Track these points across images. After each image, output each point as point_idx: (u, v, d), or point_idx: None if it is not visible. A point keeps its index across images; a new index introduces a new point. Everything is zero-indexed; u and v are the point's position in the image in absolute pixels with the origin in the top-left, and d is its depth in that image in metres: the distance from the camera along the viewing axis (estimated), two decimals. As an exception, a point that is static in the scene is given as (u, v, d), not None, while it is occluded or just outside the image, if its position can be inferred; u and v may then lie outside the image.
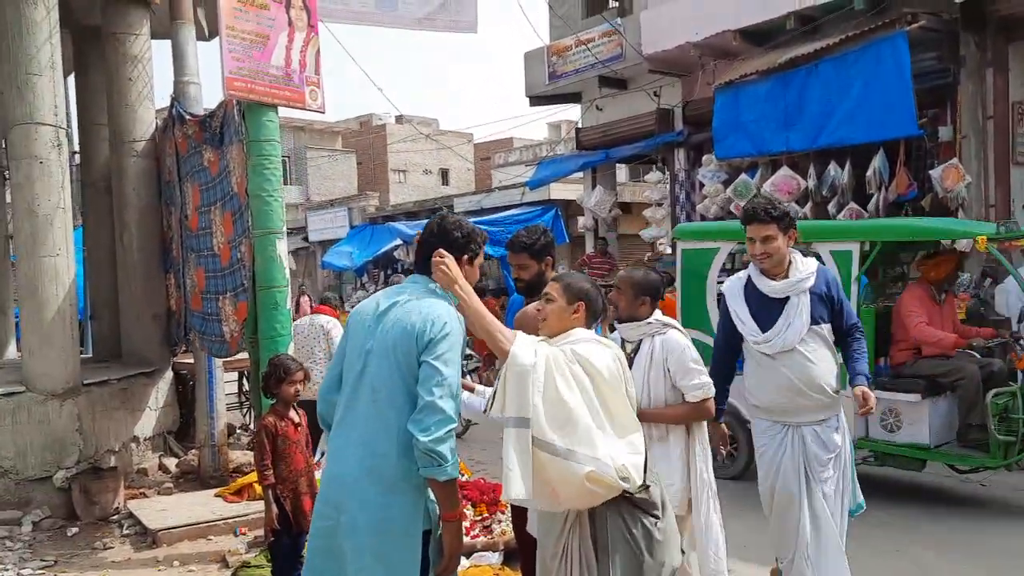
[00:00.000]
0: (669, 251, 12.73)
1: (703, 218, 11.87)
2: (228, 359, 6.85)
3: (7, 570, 4.92)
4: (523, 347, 2.56)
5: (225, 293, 6.10)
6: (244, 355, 6.18)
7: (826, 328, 3.64)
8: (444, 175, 38.03)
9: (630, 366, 3.31)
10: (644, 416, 3.21)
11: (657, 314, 3.58)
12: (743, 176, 10.49)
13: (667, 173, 12.86)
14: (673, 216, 12.53)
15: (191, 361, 7.23)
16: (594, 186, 14.29)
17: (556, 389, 2.47)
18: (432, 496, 2.55)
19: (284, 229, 5.65)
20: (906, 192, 8.94)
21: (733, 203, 10.59)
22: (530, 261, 3.74)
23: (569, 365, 2.54)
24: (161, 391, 7.42)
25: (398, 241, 18.49)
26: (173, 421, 7.64)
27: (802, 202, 9.80)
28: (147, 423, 7.15)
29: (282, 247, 5.57)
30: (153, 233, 7.49)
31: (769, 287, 3.61)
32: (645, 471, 2.61)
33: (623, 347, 3.46)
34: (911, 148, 9.12)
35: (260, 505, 4.28)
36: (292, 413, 4.25)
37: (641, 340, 3.53)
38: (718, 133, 10.19)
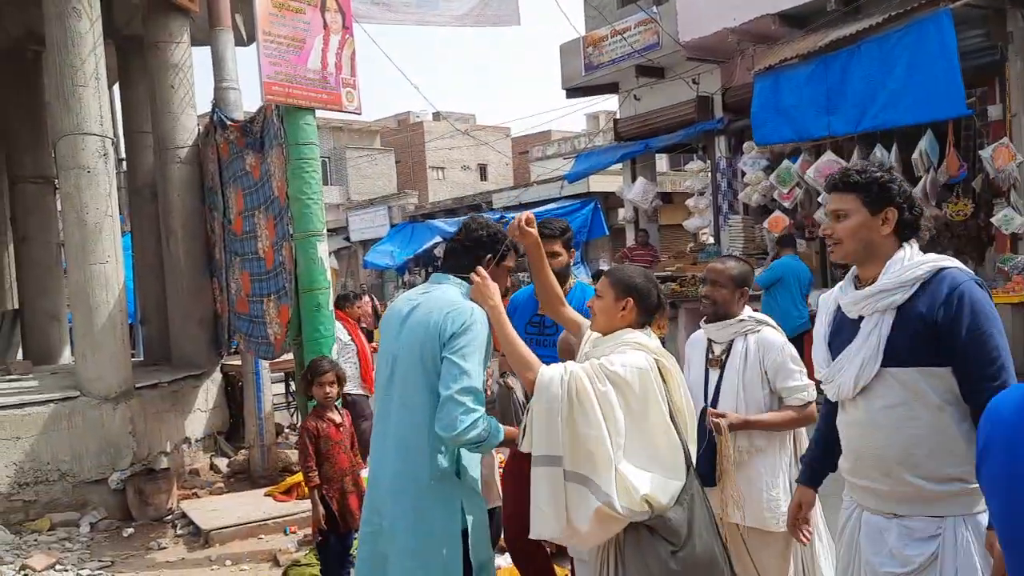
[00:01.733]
0: (712, 241, 12.59)
1: (745, 207, 11.69)
2: (275, 360, 6.95)
3: (67, 571, 5.05)
4: (550, 379, 2.38)
5: (269, 296, 6.18)
6: (290, 356, 6.26)
7: (928, 375, 2.16)
8: (483, 171, 38.13)
9: (721, 370, 3.12)
10: (749, 425, 3.01)
11: (747, 310, 3.21)
12: (785, 162, 10.31)
13: (708, 162, 12.70)
14: (715, 205, 12.38)
15: (239, 363, 7.35)
16: (634, 177, 14.18)
17: (575, 423, 2.31)
18: (467, 495, 2.57)
19: (325, 231, 5.71)
20: (956, 173, 8.70)
21: (776, 191, 10.41)
22: (562, 249, 3.58)
23: (596, 387, 2.34)
24: (210, 393, 7.56)
25: (438, 239, 18.60)
26: (223, 422, 7.78)
27: (847, 187, 9.61)
28: (197, 424, 7.29)
29: (323, 249, 5.62)
30: (198, 238, 7.62)
31: (847, 299, 2.34)
32: (683, 493, 2.39)
33: (710, 350, 3.21)
34: (959, 128, 8.87)
35: (309, 504, 4.33)
36: (333, 414, 4.29)
37: (733, 340, 3.15)
38: (757, 119, 10.01)
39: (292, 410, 9.41)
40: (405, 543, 2.51)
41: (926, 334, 2.16)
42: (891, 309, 2.22)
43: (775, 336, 3.13)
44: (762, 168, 10.79)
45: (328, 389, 4.27)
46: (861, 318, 2.28)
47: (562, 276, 3.41)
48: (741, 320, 3.14)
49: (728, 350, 3.14)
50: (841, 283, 2.43)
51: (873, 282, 2.27)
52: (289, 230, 5.61)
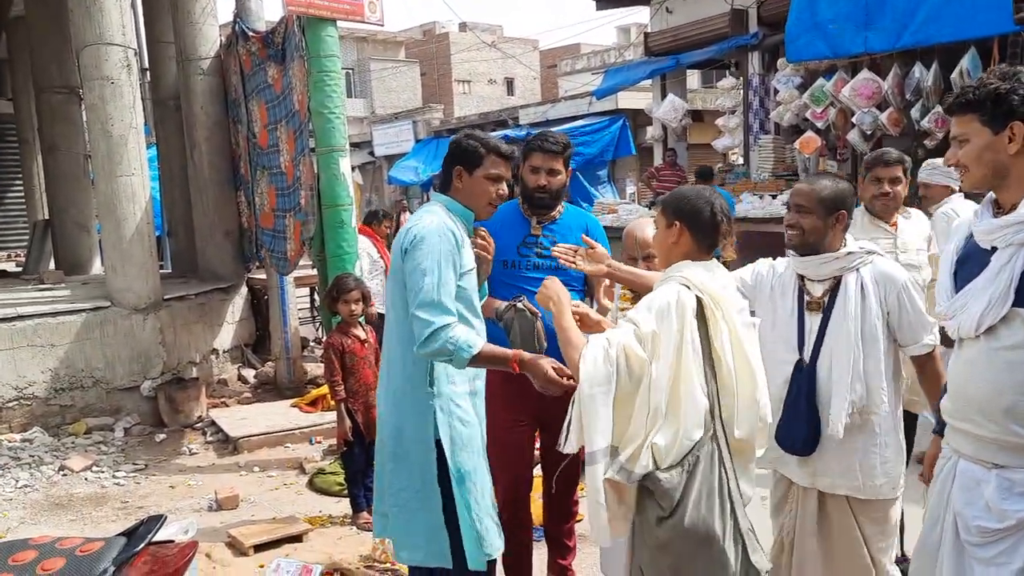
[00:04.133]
0: (741, 162, 12.35)
1: (777, 127, 11.42)
2: (299, 275, 7.03)
3: (103, 472, 5.27)
4: (592, 359, 2.06)
5: (289, 211, 6.21)
6: (314, 271, 6.34)
7: None
8: (509, 84, 37.45)
9: (827, 314, 2.55)
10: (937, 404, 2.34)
11: (850, 240, 2.61)
12: (820, 80, 9.99)
13: (740, 79, 12.34)
14: (746, 124, 12.09)
15: (264, 277, 7.44)
16: (664, 94, 13.84)
17: (620, 397, 2.09)
18: (443, 406, 2.57)
19: (347, 146, 5.67)
20: (998, 94, 8.40)
21: (809, 110, 10.13)
22: (562, 167, 3.18)
23: (640, 354, 2.07)
24: (237, 306, 7.68)
25: (463, 154, 18.38)
26: (250, 334, 7.94)
27: (882, 107, 9.33)
28: (225, 336, 7.44)
29: (345, 165, 5.60)
30: (222, 151, 7.61)
31: (980, 226, 2.06)
32: (688, 455, 2.07)
33: (804, 290, 2.61)
34: (1005, 45, 8.52)
35: (333, 415, 4.47)
36: (358, 330, 4.36)
37: (840, 277, 2.54)
38: (791, 34, 9.65)
39: (317, 324, 9.56)
40: (390, 448, 2.65)
41: None
42: None
43: (893, 267, 2.57)
44: (796, 86, 10.48)
45: (354, 307, 4.33)
46: (994, 249, 2.00)
47: (558, 197, 3.20)
48: (849, 253, 2.54)
49: (833, 291, 2.55)
50: (978, 207, 2.11)
51: (1013, 209, 1.98)
52: (309, 145, 5.59)
